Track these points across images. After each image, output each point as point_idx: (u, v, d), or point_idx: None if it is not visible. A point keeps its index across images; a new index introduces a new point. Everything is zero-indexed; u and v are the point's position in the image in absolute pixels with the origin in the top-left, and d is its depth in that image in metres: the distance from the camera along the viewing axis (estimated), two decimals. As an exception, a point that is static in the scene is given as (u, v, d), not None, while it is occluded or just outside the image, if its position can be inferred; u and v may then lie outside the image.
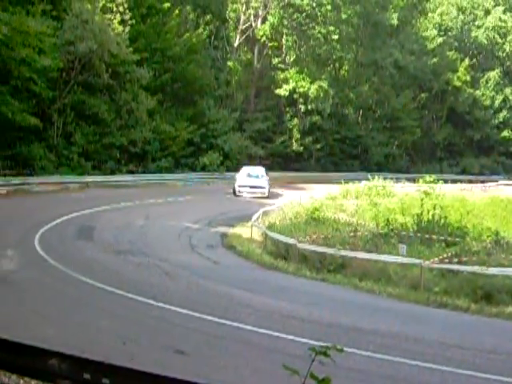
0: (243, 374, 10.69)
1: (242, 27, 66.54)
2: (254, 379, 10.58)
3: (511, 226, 27.72)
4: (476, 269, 19.02)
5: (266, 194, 44.33)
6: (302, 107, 66.66)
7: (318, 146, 68.46)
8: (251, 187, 44.71)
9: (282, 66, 67.95)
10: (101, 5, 50.21)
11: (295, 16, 66.08)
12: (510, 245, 23.19)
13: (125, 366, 2.58)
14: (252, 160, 58.49)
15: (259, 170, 47.57)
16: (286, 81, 66.22)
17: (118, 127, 51.20)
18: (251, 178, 45.89)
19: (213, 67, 63.01)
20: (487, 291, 18.26)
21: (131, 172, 51.47)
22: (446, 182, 46.60)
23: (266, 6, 66.50)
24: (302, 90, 65.21)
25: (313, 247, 22.87)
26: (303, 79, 65.49)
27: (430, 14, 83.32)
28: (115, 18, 50.22)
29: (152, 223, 30.96)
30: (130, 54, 49.22)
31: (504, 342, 14.13)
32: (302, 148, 67.03)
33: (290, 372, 2.87)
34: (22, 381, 3.04)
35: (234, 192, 45.10)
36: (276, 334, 13.27)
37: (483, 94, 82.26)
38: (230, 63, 65.07)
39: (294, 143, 66.80)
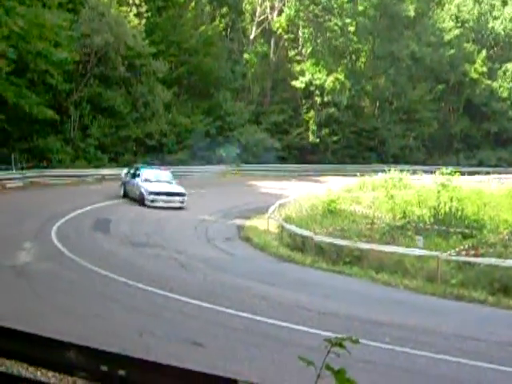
0: (260, 366, 10.71)
1: (258, 19, 66.26)
2: (270, 371, 10.59)
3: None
4: (493, 261, 18.96)
5: (184, 204, 34.98)
6: (319, 99, 66.32)
7: (335, 139, 68.06)
8: (168, 195, 34.96)
9: (299, 58, 67.62)
10: (117, -3, 50.37)
11: (311, 8, 65.76)
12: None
13: (141, 358, 2.59)
14: (268, 152, 58.34)
15: (167, 174, 38.46)
16: (302, 73, 65.96)
17: (134, 120, 51.23)
18: (163, 183, 36.20)
19: (229, 60, 62.88)
20: (504, 283, 18.19)
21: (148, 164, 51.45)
22: (462, 174, 46.32)
23: (282, -2, 66.42)
24: (318, 82, 64.95)
25: (329, 239, 22.86)
26: (319, 71, 65.24)
27: (446, 6, 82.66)
28: (131, 11, 50.26)
29: (168, 215, 31.04)
30: (146, 47, 49.21)
31: (521, 335, 14.10)
32: (318, 140, 66.62)
33: (306, 363, 2.87)
34: (39, 372, 3.05)
35: (142, 201, 34.30)
36: (293, 326, 13.29)
37: (500, 86, 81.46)
38: (246, 55, 64.88)
39: (311, 135, 66.43)
